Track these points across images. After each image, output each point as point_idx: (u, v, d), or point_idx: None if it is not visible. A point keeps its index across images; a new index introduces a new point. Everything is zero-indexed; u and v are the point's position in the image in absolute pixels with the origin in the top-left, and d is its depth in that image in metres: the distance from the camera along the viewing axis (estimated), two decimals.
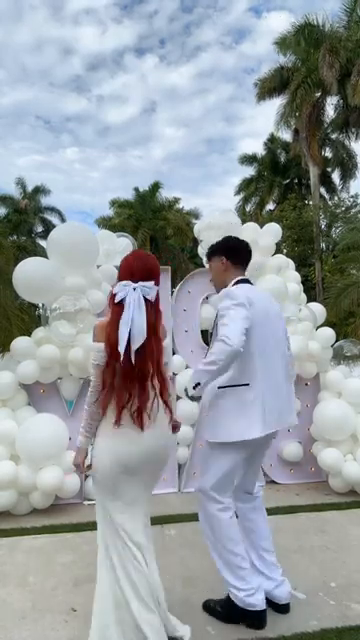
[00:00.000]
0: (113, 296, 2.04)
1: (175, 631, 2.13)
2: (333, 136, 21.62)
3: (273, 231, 5.13)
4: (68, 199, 54.30)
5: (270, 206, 25.01)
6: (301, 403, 4.74)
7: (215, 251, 2.64)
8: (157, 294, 2.10)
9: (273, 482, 4.73)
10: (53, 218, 26.23)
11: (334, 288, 13.30)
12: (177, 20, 66.38)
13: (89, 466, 2.11)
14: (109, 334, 1.99)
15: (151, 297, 2.05)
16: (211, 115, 63.78)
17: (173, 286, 5.13)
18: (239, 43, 62.30)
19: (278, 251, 5.32)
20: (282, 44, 19.15)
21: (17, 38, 69.58)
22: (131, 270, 2.09)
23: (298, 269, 5.64)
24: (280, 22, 60.65)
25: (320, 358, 4.89)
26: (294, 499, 4.31)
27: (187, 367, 4.80)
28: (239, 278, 2.53)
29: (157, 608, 1.98)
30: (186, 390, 2.25)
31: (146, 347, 1.98)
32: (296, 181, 25.26)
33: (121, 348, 1.93)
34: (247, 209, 24.89)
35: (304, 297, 5.29)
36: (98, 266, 4.72)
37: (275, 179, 24.75)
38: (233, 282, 2.51)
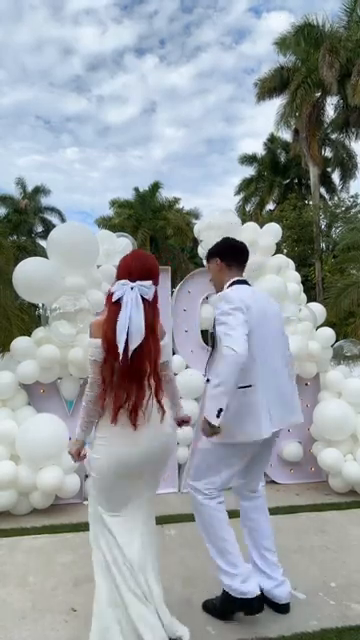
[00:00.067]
0: (110, 295, 2.03)
1: (175, 632, 2.13)
2: (333, 136, 21.64)
3: (273, 231, 5.13)
4: (68, 199, 54.42)
5: (270, 206, 25.05)
6: (301, 403, 4.72)
7: (211, 253, 2.67)
8: (155, 294, 2.09)
9: (273, 482, 4.72)
10: (53, 218, 26.29)
11: (334, 288, 13.32)
12: (177, 20, 66.43)
13: (84, 456, 2.15)
14: (106, 331, 1.99)
15: (149, 297, 2.04)
16: (211, 115, 63.85)
17: (173, 286, 5.13)
18: (239, 43, 62.43)
19: (278, 251, 5.31)
20: (282, 44, 19.16)
21: (17, 38, 69.63)
22: (129, 269, 2.09)
23: (298, 269, 5.64)
24: (280, 22, 60.74)
25: (320, 358, 4.90)
26: (294, 499, 4.31)
27: (187, 367, 4.80)
28: (235, 279, 2.54)
29: (152, 601, 1.98)
30: (209, 422, 2.18)
31: (144, 346, 1.98)
32: (296, 181, 25.27)
33: (120, 348, 1.93)
34: (247, 209, 24.89)
35: (304, 297, 5.29)
36: (98, 266, 4.72)
37: (275, 179, 24.75)
38: (228, 284, 2.52)
